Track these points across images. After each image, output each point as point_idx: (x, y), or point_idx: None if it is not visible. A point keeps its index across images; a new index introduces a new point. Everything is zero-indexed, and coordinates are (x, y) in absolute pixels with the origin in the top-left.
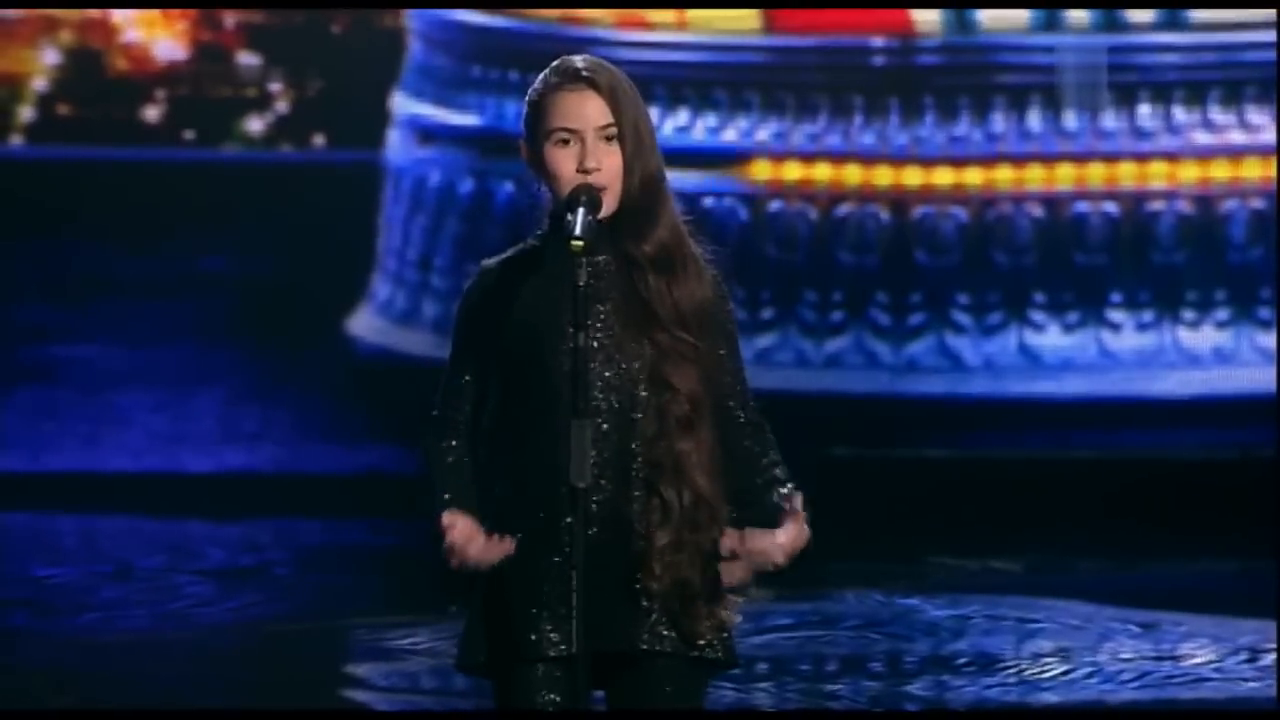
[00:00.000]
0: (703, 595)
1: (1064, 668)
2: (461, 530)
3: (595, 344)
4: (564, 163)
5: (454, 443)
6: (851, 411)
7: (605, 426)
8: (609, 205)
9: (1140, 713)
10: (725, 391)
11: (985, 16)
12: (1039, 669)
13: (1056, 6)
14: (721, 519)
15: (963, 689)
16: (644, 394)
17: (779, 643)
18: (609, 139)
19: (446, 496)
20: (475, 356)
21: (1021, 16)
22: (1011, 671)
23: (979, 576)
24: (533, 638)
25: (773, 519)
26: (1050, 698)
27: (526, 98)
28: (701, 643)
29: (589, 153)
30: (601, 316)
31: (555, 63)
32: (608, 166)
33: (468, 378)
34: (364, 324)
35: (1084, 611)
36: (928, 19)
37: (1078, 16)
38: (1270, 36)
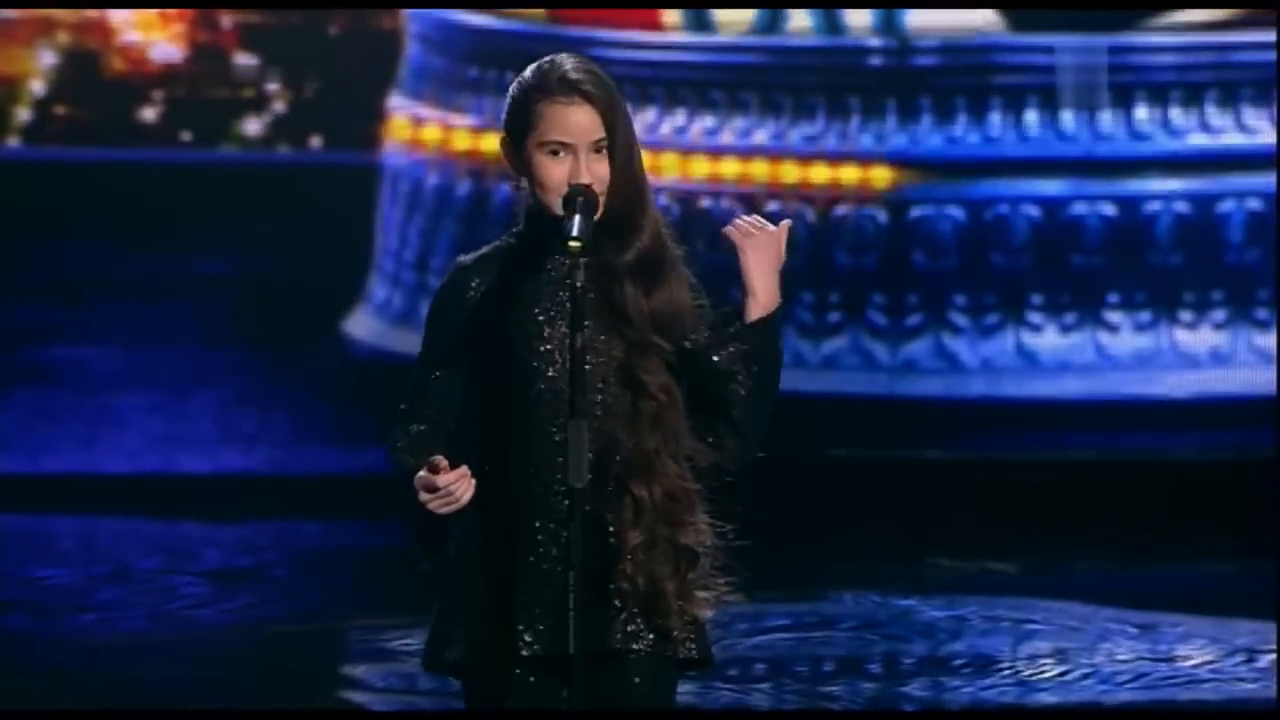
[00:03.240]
0: (675, 592)
1: (1061, 669)
2: (455, 471)
3: (566, 343)
4: (554, 173)
5: (419, 427)
6: (849, 412)
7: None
8: (598, 213)
9: (1138, 713)
10: (717, 365)
11: (717, 16)
12: (1036, 670)
13: (1022, 7)
14: (698, 510)
15: (960, 690)
16: (615, 392)
17: (776, 643)
18: (599, 150)
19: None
20: (447, 353)
21: (745, 16)
22: (1009, 672)
23: (976, 577)
24: (505, 639)
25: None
26: (1047, 699)
27: (511, 93)
28: (674, 638)
29: (582, 168)
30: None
31: (543, 64)
32: (598, 178)
33: (438, 374)
34: (361, 325)
35: (1081, 612)
36: (671, 19)
37: (799, 16)
38: (1268, 37)
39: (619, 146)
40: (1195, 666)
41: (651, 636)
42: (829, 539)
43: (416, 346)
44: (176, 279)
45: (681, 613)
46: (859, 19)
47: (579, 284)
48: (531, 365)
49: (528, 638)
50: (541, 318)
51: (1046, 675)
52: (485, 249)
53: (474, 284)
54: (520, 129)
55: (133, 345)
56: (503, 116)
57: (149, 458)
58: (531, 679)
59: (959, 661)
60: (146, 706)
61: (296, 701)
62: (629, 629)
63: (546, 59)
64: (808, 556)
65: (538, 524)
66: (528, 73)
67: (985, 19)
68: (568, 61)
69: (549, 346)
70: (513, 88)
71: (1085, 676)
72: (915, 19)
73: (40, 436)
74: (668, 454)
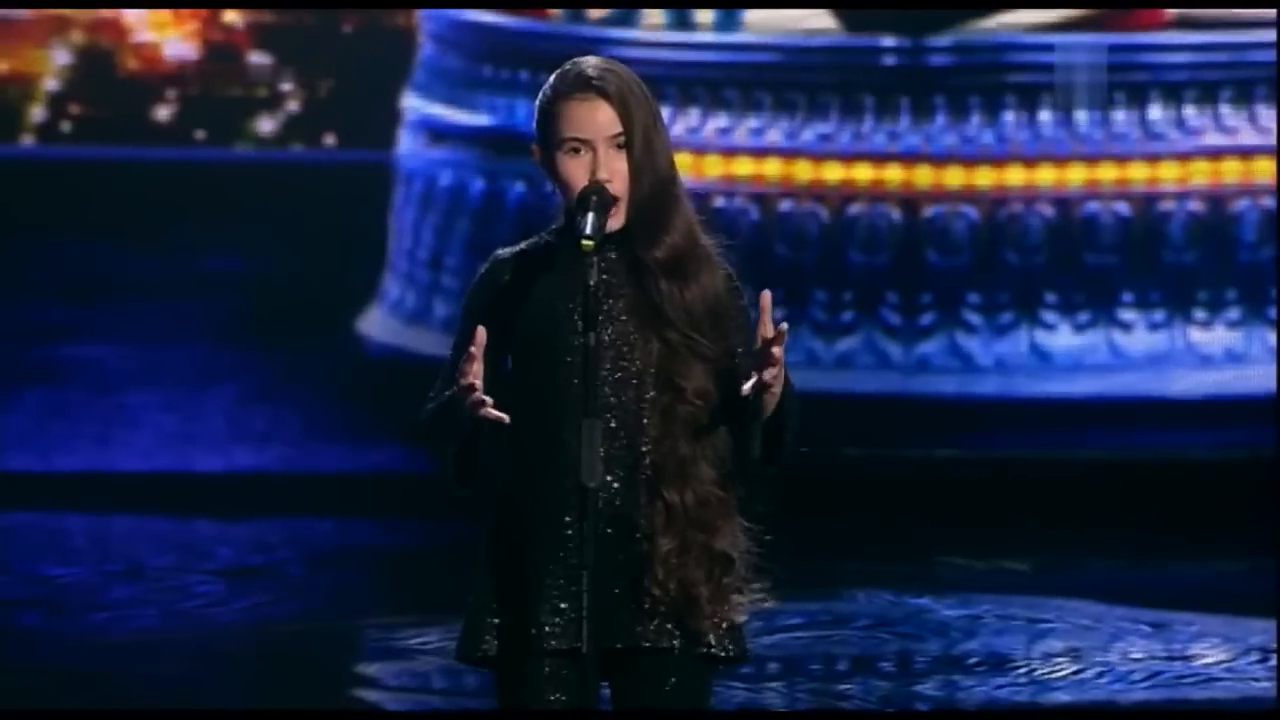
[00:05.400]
0: (707, 596)
1: (1075, 667)
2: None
3: (605, 341)
4: (576, 172)
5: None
6: (862, 411)
7: (614, 424)
8: (622, 211)
9: (1151, 713)
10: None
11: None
12: (1050, 669)
13: (1057, 6)
14: (733, 515)
15: (973, 689)
16: (651, 394)
17: (790, 642)
18: (620, 147)
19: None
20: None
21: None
22: (1022, 671)
23: (989, 576)
24: (534, 631)
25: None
26: (1061, 697)
27: (537, 100)
28: (708, 640)
29: (600, 163)
30: (612, 314)
31: (566, 66)
32: (619, 175)
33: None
34: (375, 323)
35: (1095, 611)
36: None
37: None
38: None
39: (637, 141)
40: (1209, 665)
41: (683, 637)
42: (842, 538)
43: (430, 345)
44: (190, 278)
45: (715, 615)
46: (705, 17)
47: (591, 283)
48: (565, 360)
49: (549, 630)
50: (573, 315)
51: (1060, 674)
52: (523, 244)
53: (508, 277)
54: (544, 133)
55: (146, 344)
56: (533, 126)
57: (162, 456)
58: (564, 672)
59: (973, 660)
60: (159, 705)
61: (309, 700)
62: (661, 628)
63: (570, 61)
64: (821, 555)
65: (567, 519)
66: (551, 77)
67: (819, 20)
68: (588, 61)
69: (581, 341)
70: (539, 95)
71: (1099, 675)
72: (752, 19)
73: (54, 435)
74: (704, 459)
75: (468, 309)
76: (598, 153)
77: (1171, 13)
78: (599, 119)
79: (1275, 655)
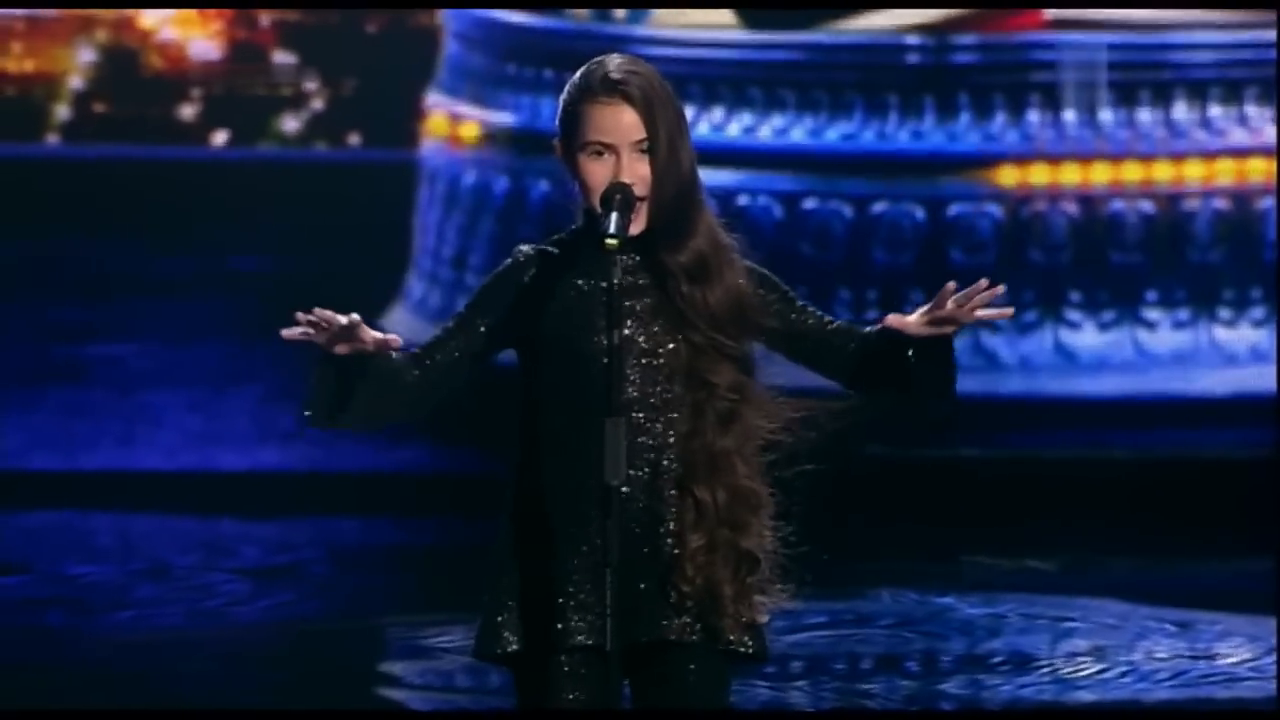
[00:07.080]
0: (731, 594)
1: (1099, 667)
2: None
3: (629, 339)
4: (599, 175)
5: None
6: (885, 410)
7: (641, 419)
8: (644, 215)
9: (1175, 712)
10: (811, 324)
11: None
12: (1074, 668)
13: (1056, 6)
14: (762, 514)
15: (998, 688)
16: (678, 390)
17: (814, 641)
18: (643, 151)
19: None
20: (476, 327)
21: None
22: (1046, 670)
23: (1014, 575)
24: (559, 627)
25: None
26: (1085, 697)
27: (561, 98)
28: (727, 637)
29: (624, 168)
30: (636, 312)
31: (590, 65)
32: (642, 179)
33: (456, 337)
34: (398, 323)
35: (1119, 610)
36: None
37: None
38: None
39: (661, 145)
40: (1233, 665)
41: (705, 633)
42: (866, 537)
43: None
44: (214, 276)
45: (736, 613)
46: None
47: (615, 280)
48: (588, 359)
49: (575, 626)
50: (594, 314)
51: (1084, 673)
52: (545, 242)
53: (530, 275)
54: (567, 132)
55: (170, 342)
56: (556, 122)
57: (186, 455)
58: (583, 670)
59: (997, 659)
60: (183, 704)
61: (333, 699)
62: (685, 622)
63: (595, 60)
64: (845, 554)
65: (591, 516)
66: (576, 75)
67: (722, 19)
68: (613, 61)
69: (601, 342)
70: (563, 93)
71: (1123, 674)
72: (660, 17)
73: (78, 434)
74: (739, 454)
75: (480, 293)
76: (621, 157)
77: (1049, 14)
78: (623, 123)
79: (1275, 654)
